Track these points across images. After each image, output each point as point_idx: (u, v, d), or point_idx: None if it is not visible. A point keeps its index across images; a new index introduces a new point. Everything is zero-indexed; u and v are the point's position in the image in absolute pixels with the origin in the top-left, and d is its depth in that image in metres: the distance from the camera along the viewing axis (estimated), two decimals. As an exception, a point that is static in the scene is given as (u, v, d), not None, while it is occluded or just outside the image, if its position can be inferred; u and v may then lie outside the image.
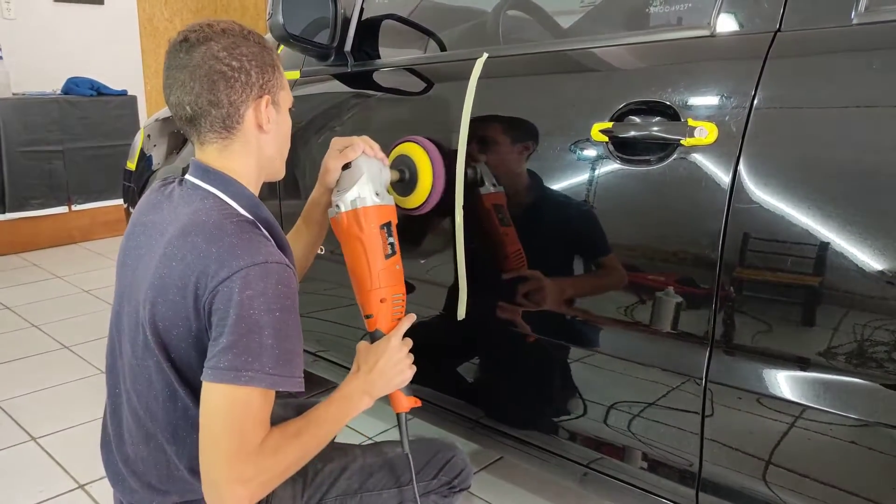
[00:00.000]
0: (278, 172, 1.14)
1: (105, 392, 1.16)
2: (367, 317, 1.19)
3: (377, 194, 1.19)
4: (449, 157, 1.33)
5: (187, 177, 1.07)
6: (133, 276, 1.06)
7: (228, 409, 0.92)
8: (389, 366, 1.14)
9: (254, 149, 1.06)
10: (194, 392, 0.99)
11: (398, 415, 1.22)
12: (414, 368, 1.18)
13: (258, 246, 0.96)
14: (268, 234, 1.03)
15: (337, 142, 1.23)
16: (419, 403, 1.23)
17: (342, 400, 1.09)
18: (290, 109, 1.14)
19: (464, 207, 1.32)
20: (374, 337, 1.19)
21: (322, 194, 1.27)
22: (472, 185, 1.32)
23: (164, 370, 1.00)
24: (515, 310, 1.35)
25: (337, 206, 1.20)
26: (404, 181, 1.35)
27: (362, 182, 1.18)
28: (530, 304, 1.32)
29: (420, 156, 1.34)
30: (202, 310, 0.94)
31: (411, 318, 1.21)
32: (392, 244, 1.20)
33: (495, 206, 1.31)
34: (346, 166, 1.21)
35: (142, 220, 1.09)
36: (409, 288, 1.52)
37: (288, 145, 1.14)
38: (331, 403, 1.07)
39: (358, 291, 1.21)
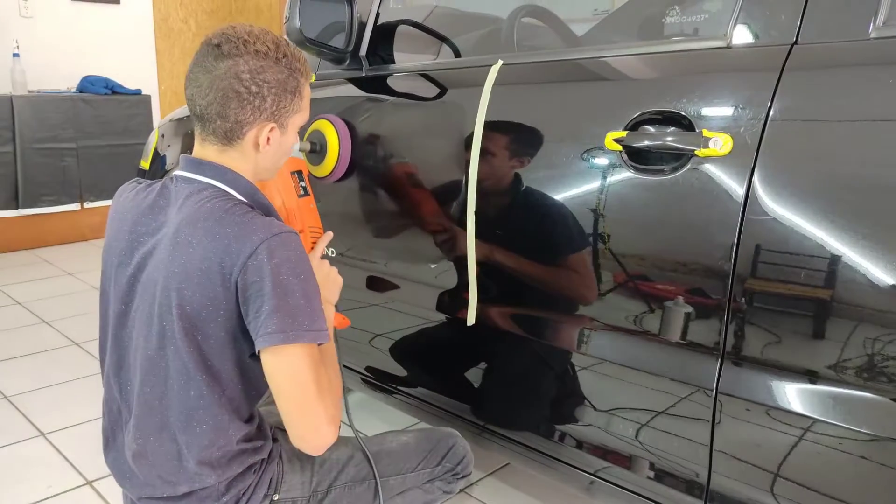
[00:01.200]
0: (270, 178, 1.19)
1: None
2: None
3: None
4: (354, 135, 1.54)
5: (178, 173, 1.09)
6: (140, 274, 1.07)
7: (295, 366, 1.00)
8: (325, 279, 1.22)
9: (250, 159, 1.10)
10: (210, 378, 1.03)
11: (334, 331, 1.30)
12: (340, 277, 1.27)
13: (268, 220, 1.02)
14: (264, 216, 1.07)
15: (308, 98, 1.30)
16: (347, 322, 1.34)
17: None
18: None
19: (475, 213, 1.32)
20: None
21: None
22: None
23: (181, 356, 1.02)
24: (525, 317, 1.35)
25: None
26: (316, 152, 1.56)
27: None
28: (540, 311, 1.32)
29: (330, 131, 1.54)
30: (234, 287, 0.99)
31: (324, 240, 1.34)
32: (304, 187, 1.36)
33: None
34: None
35: (139, 218, 1.09)
36: (417, 291, 1.54)
37: (285, 158, 1.19)
38: None
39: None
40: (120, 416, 1.13)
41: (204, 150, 1.09)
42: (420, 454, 1.26)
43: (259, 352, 1.00)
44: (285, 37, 1.51)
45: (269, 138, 1.08)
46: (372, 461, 1.21)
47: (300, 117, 1.13)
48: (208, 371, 1.03)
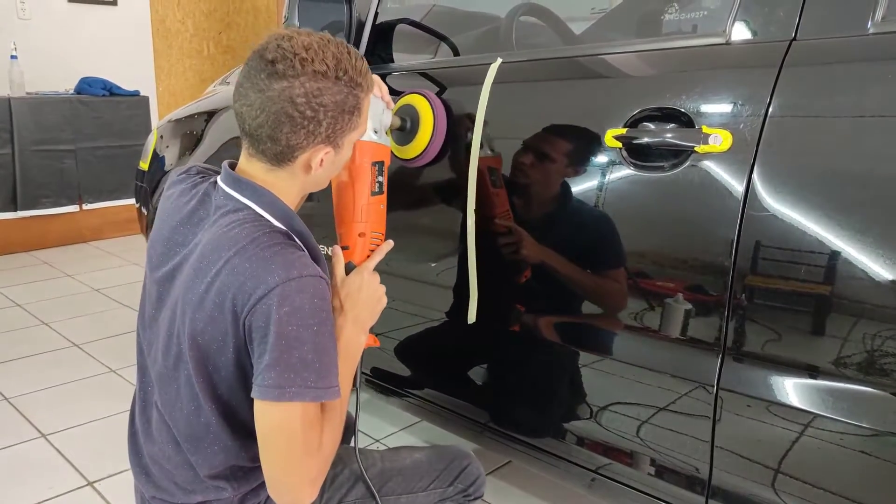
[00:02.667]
0: (320, 188, 1.12)
1: (131, 387, 1.17)
2: (344, 248, 1.19)
3: (375, 132, 1.19)
4: (454, 118, 1.35)
5: (220, 184, 1.05)
6: (169, 284, 1.05)
7: (284, 423, 0.94)
8: (370, 297, 1.13)
9: (298, 180, 1.05)
10: (220, 408, 1.00)
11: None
12: (386, 298, 1.17)
13: (292, 259, 0.95)
14: (301, 245, 1.02)
15: (367, 112, 1.22)
16: (377, 342, 1.22)
17: (347, 349, 1.08)
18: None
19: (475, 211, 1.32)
20: (346, 269, 1.18)
21: None
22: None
23: (192, 384, 0.99)
24: (526, 314, 1.35)
25: None
26: (405, 130, 1.36)
27: None
28: (541, 308, 1.32)
29: (425, 109, 1.35)
30: (242, 326, 0.94)
31: (383, 249, 1.21)
32: (380, 183, 1.20)
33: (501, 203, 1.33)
34: None
35: (177, 226, 1.07)
36: (417, 291, 1.53)
37: (338, 171, 1.12)
38: (339, 359, 1.04)
39: (339, 222, 1.21)
40: (143, 415, 1.12)
41: (250, 165, 1.03)
42: (432, 473, 1.21)
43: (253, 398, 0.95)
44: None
45: (322, 160, 1.02)
46: (373, 489, 1.16)
47: (357, 133, 1.06)
48: (218, 400, 1.00)
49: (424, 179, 1.46)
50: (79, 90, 4.34)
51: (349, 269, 1.17)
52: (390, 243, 1.22)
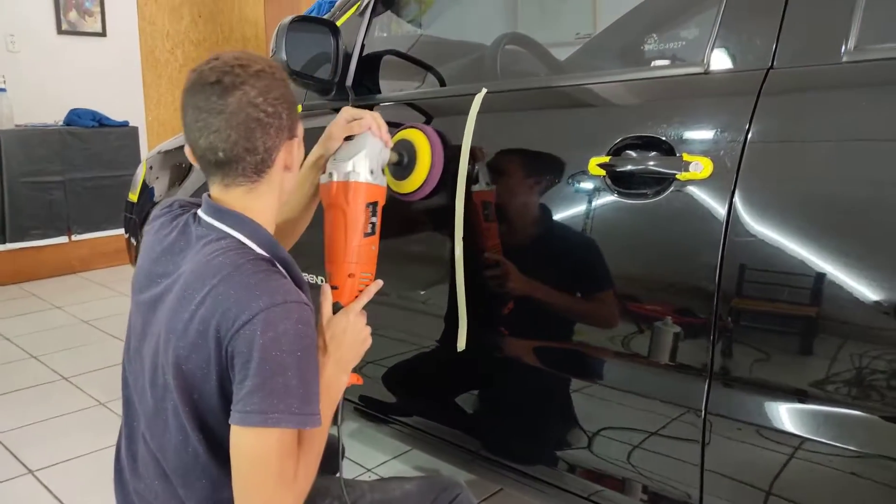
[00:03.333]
0: (291, 194, 1.15)
1: (119, 421, 1.15)
2: (333, 287, 1.19)
3: (372, 172, 1.20)
4: (450, 152, 1.35)
5: (201, 214, 1.06)
6: (152, 315, 1.05)
7: (261, 450, 0.93)
8: (354, 339, 1.14)
9: (276, 187, 1.06)
10: (208, 438, 1.00)
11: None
12: (370, 339, 1.18)
13: (276, 285, 0.96)
14: (285, 272, 1.02)
15: (347, 111, 1.23)
16: (360, 381, 1.21)
17: (328, 389, 1.08)
18: None
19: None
20: (334, 308, 1.18)
21: (320, 157, 1.26)
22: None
23: (179, 414, 0.99)
24: (515, 341, 1.35)
25: (330, 173, 1.20)
26: (402, 165, 1.36)
27: (360, 157, 1.18)
28: (529, 335, 1.32)
29: (422, 143, 1.36)
30: (224, 353, 0.94)
31: (371, 291, 1.20)
32: (373, 224, 1.20)
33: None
34: (349, 138, 1.22)
35: (158, 258, 1.07)
36: (406, 320, 1.54)
37: (298, 167, 1.14)
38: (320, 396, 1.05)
39: (329, 261, 1.21)
40: (129, 450, 1.12)
41: (227, 194, 1.04)
42: None
43: (231, 424, 0.94)
44: None
45: (295, 158, 1.05)
46: None
47: (301, 126, 1.10)
48: (205, 429, 0.99)
49: (417, 210, 1.47)
50: (68, 122, 4.35)
51: (336, 308, 1.17)
52: (379, 283, 1.21)
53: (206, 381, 0.97)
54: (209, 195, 1.07)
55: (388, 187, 1.29)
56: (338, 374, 1.10)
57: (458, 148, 1.34)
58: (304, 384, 0.94)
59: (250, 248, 1.02)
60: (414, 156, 1.36)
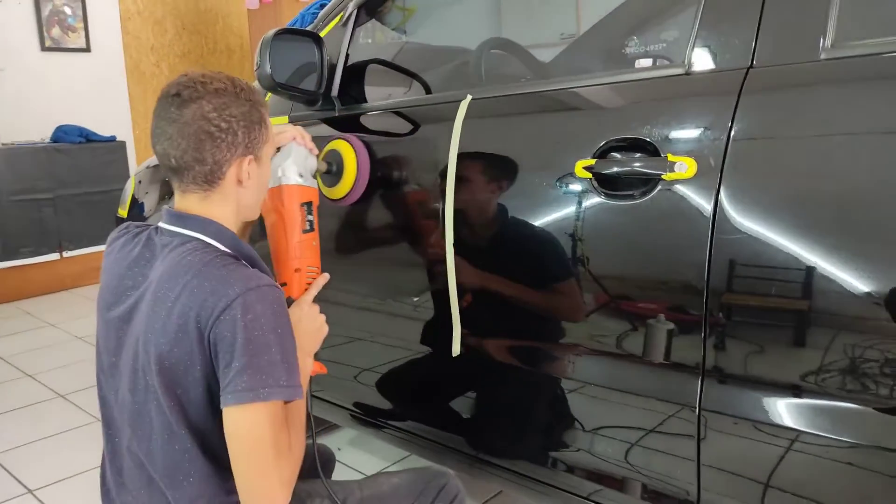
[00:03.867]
0: (253, 215, 1.19)
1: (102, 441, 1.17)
2: (283, 284, 1.26)
3: (301, 175, 1.28)
4: (374, 157, 1.48)
5: (163, 225, 1.10)
6: (126, 326, 1.08)
7: (256, 425, 0.98)
8: (310, 326, 1.21)
9: (232, 200, 1.11)
10: (193, 432, 1.03)
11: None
12: (327, 326, 1.25)
13: (248, 273, 1.02)
14: (250, 266, 1.07)
15: (271, 127, 1.29)
16: (324, 370, 1.28)
17: None
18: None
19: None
20: (287, 303, 1.23)
21: None
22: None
23: (163, 411, 1.02)
24: (507, 344, 1.36)
25: None
26: (332, 173, 1.48)
27: (288, 163, 1.27)
28: (522, 338, 1.33)
29: (348, 152, 1.48)
30: (206, 341, 0.98)
31: (319, 283, 1.28)
32: (311, 221, 1.29)
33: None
34: (278, 150, 1.29)
35: (125, 272, 1.10)
36: (400, 324, 1.55)
37: (265, 192, 1.20)
38: None
39: (276, 261, 1.29)
40: (113, 467, 1.14)
41: (186, 201, 1.10)
42: (411, 496, 1.24)
43: (223, 408, 0.99)
44: (256, 82, 1.54)
45: (248, 172, 1.09)
46: None
47: (269, 147, 1.14)
48: (190, 425, 1.03)
49: (402, 217, 1.49)
50: (55, 138, 4.34)
51: (289, 302, 1.22)
52: (326, 276, 1.29)
53: (189, 373, 1.00)
54: (168, 207, 1.12)
55: (321, 193, 1.40)
56: (303, 358, 1.15)
57: (388, 156, 1.47)
58: (286, 358, 1.00)
59: (215, 247, 1.07)
60: (341, 164, 1.48)
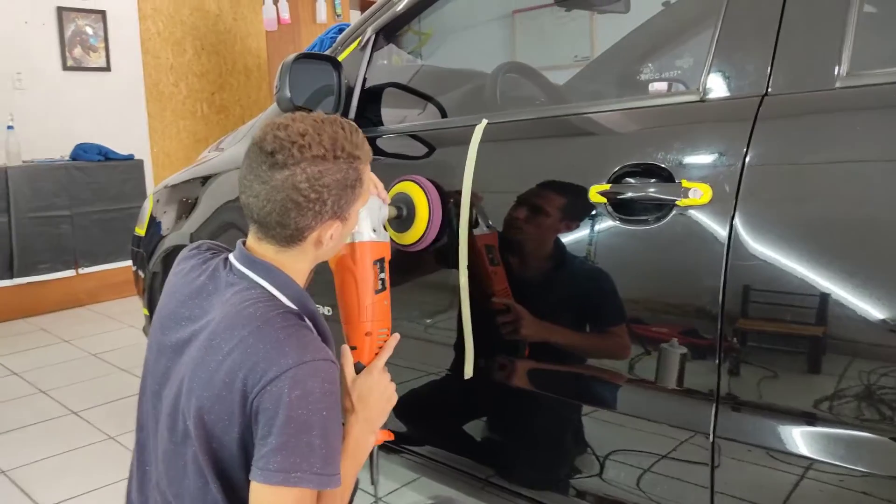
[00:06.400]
0: (327, 258, 1.15)
1: (129, 456, 1.15)
2: (352, 348, 1.21)
3: (374, 230, 1.23)
4: (446, 198, 1.39)
5: (232, 261, 1.08)
6: (176, 359, 1.05)
7: None
8: (380, 398, 1.16)
9: (310, 257, 1.08)
10: (226, 486, 1.00)
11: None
12: (396, 395, 1.19)
13: (305, 342, 0.97)
14: (312, 326, 1.04)
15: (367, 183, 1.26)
16: (391, 436, 1.22)
17: (355, 450, 1.10)
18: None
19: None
20: (356, 368, 1.20)
21: None
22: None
23: (198, 460, 0.99)
24: (522, 368, 1.36)
25: None
26: (401, 218, 1.39)
27: (361, 218, 1.20)
28: (537, 362, 1.33)
29: (418, 195, 1.40)
30: (249, 407, 0.95)
31: (391, 345, 1.23)
32: (382, 280, 1.23)
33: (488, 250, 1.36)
34: None
35: (185, 300, 1.08)
36: (413, 347, 1.55)
37: (345, 240, 1.15)
38: (346, 457, 1.07)
39: (345, 322, 1.23)
40: (141, 494, 1.12)
41: (261, 246, 1.06)
42: None
43: (251, 480, 0.95)
44: (275, 104, 1.56)
45: (331, 235, 1.06)
46: None
47: (361, 202, 1.09)
48: (224, 479, 1.00)
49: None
50: (74, 156, 4.40)
51: (358, 368, 1.19)
52: (396, 337, 1.24)
53: (228, 432, 0.97)
54: (243, 242, 1.09)
55: (392, 241, 1.32)
56: (366, 435, 1.12)
57: (454, 193, 1.37)
58: (327, 444, 0.95)
59: (280, 300, 1.03)
60: (413, 208, 1.39)
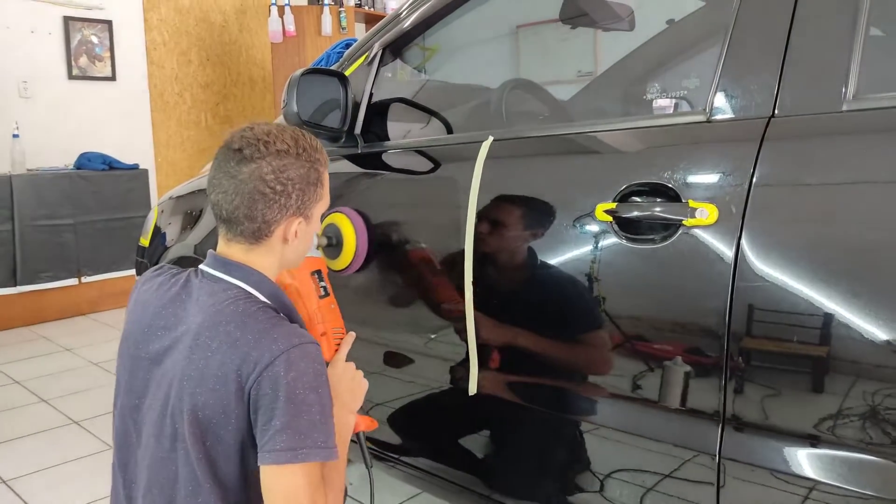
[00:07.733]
0: (295, 265, 1.22)
1: (111, 488, 1.16)
2: None
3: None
4: (371, 227, 1.54)
5: (204, 268, 1.11)
6: (154, 369, 1.07)
7: (293, 486, 0.98)
8: (350, 384, 1.22)
9: (276, 254, 1.13)
10: (220, 486, 1.01)
11: (357, 434, 1.28)
12: (366, 381, 1.25)
13: (291, 329, 1.03)
14: (288, 320, 1.08)
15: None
16: (375, 424, 1.29)
17: (340, 429, 1.12)
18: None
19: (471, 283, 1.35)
20: None
21: None
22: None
23: (190, 462, 1.01)
24: (524, 385, 1.36)
25: None
26: (332, 246, 1.55)
27: None
28: (539, 380, 1.33)
29: (346, 225, 1.54)
30: (247, 396, 0.99)
31: (348, 342, 1.29)
32: (324, 287, 1.33)
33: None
34: None
35: (159, 311, 1.10)
36: (421, 363, 1.55)
37: (310, 246, 1.21)
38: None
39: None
40: None
41: (230, 249, 1.11)
42: None
43: (260, 466, 0.99)
44: (282, 118, 1.57)
45: (296, 231, 1.11)
46: None
47: (322, 205, 1.16)
48: (216, 480, 1.01)
49: (427, 262, 1.52)
50: (79, 165, 4.41)
51: None
52: (352, 335, 1.31)
53: (222, 426, 1.00)
54: (213, 250, 1.13)
55: (330, 268, 1.48)
56: (345, 416, 1.16)
57: (383, 223, 1.53)
58: (325, 419, 1.01)
59: (256, 297, 1.08)
60: (340, 238, 1.55)
